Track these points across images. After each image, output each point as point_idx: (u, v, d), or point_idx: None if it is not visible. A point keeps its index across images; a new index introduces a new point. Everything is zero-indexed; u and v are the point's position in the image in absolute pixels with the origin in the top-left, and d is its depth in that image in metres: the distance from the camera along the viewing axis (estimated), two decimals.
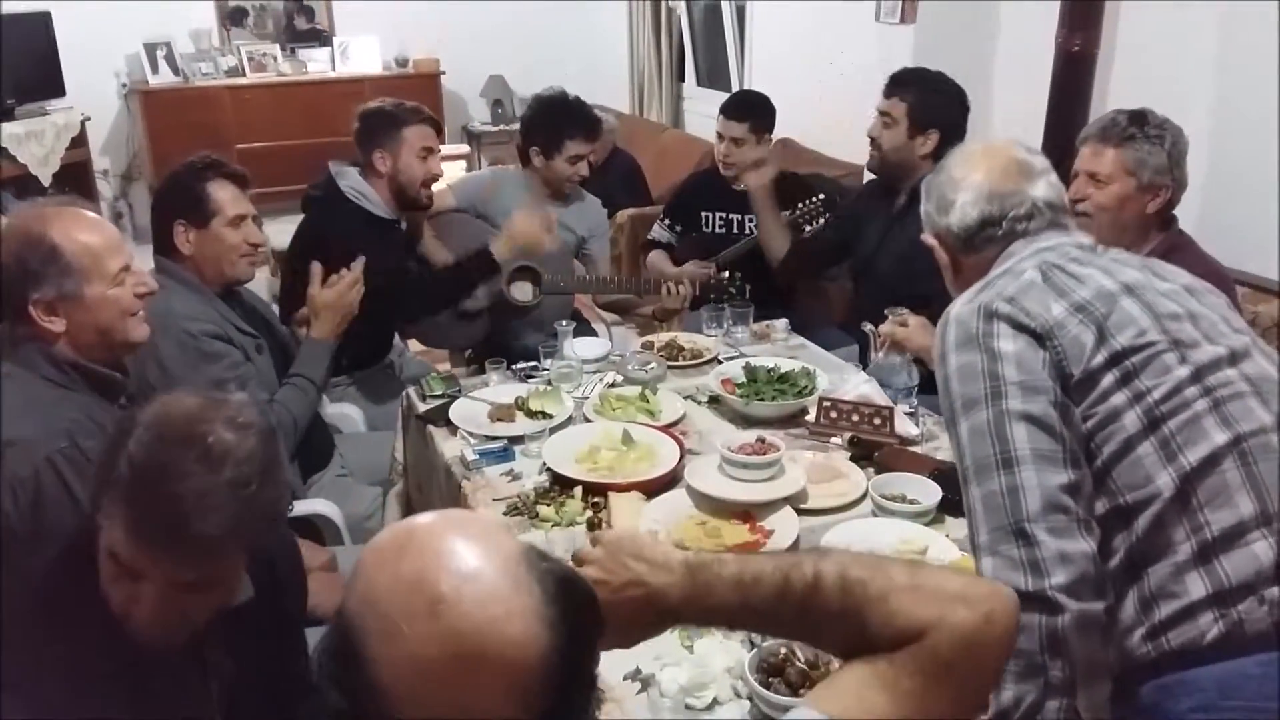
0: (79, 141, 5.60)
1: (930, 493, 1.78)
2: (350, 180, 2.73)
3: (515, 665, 0.72)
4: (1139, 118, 2.04)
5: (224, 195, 2.18)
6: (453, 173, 3.56)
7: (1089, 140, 2.09)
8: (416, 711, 0.70)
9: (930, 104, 2.56)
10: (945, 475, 1.82)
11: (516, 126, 6.51)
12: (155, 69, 5.89)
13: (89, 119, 5.67)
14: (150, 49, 5.87)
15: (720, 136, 3.23)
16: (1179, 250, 2.04)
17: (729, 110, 3.23)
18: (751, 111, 3.19)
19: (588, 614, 0.78)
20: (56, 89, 5.51)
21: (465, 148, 6.35)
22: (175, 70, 5.94)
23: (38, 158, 5.30)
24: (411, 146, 2.74)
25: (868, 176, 3.05)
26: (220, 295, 2.25)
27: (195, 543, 1.14)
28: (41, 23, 5.41)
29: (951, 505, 1.77)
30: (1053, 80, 3.19)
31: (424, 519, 0.80)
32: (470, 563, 0.74)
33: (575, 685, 0.76)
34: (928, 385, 2.22)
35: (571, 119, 3.05)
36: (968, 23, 3.69)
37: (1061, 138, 3.23)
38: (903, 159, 2.59)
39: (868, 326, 2.24)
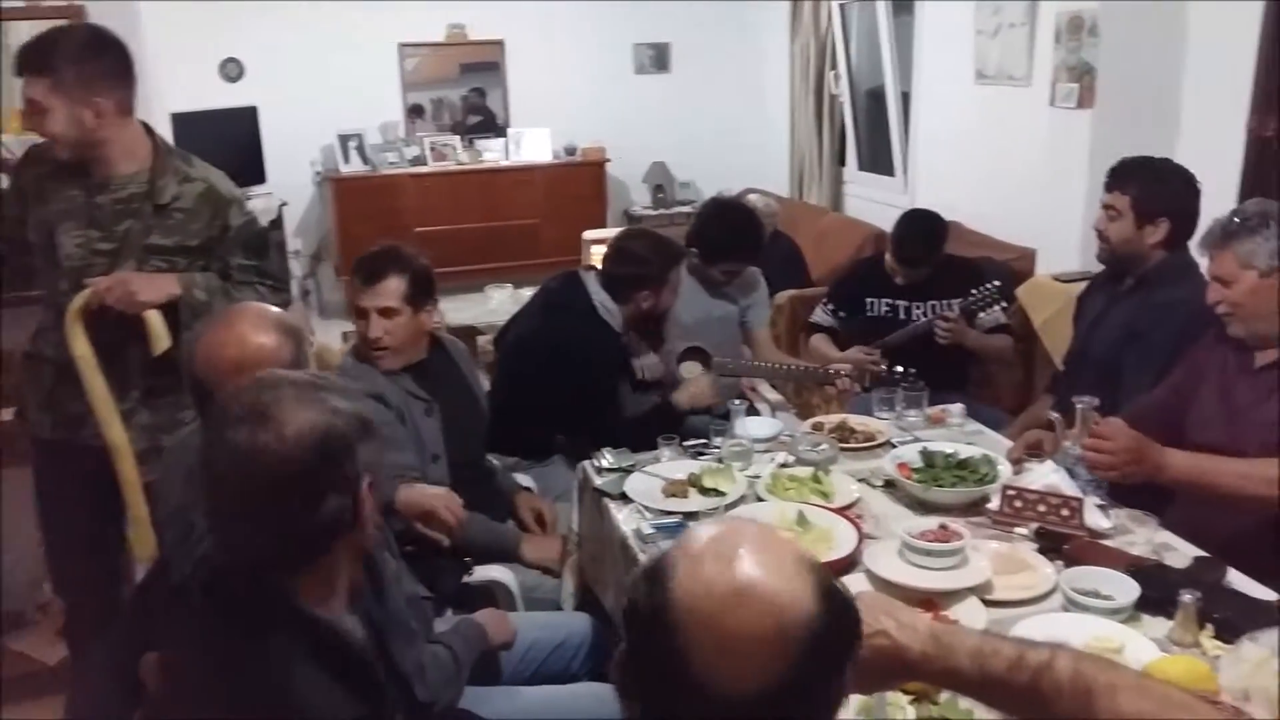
0: (276, 224, 6.00)
1: (1128, 589, 1.70)
2: (601, 297, 2.84)
3: (785, 610, 0.87)
4: (1236, 212, 2.06)
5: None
6: None
7: (1204, 247, 2.13)
8: (699, 624, 0.87)
9: (1155, 193, 2.46)
10: (1144, 572, 1.74)
11: (676, 210, 6.74)
12: (347, 158, 6.36)
13: (285, 204, 6.14)
14: (344, 140, 6.34)
15: (891, 266, 3.30)
16: None
17: (903, 255, 3.26)
18: (926, 258, 3.25)
19: (848, 613, 0.92)
20: (258, 176, 5.99)
21: None
22: (364, 159, 6.39)
23: None
24: (674, 287, 2.91)
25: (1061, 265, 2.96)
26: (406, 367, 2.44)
27: None
28: (248, 117, 5.95)
29: (1150, 603, 1.69)
30: (1244, 168, 3.08)
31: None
32: (764, 535, 0.95)
33: (831, 667, 0.89)
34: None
35: (737, 241, 3.22)
36: (1148, 108, 3.60)
37: None
38: (1132, 250, 2.49)
39: (1054, 415, 2.17)
